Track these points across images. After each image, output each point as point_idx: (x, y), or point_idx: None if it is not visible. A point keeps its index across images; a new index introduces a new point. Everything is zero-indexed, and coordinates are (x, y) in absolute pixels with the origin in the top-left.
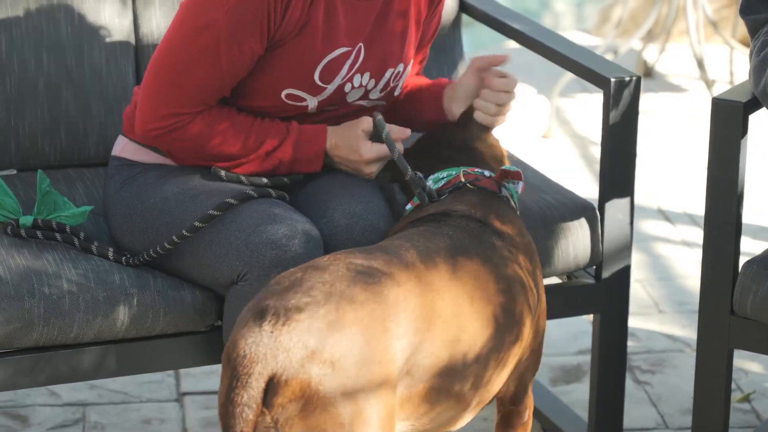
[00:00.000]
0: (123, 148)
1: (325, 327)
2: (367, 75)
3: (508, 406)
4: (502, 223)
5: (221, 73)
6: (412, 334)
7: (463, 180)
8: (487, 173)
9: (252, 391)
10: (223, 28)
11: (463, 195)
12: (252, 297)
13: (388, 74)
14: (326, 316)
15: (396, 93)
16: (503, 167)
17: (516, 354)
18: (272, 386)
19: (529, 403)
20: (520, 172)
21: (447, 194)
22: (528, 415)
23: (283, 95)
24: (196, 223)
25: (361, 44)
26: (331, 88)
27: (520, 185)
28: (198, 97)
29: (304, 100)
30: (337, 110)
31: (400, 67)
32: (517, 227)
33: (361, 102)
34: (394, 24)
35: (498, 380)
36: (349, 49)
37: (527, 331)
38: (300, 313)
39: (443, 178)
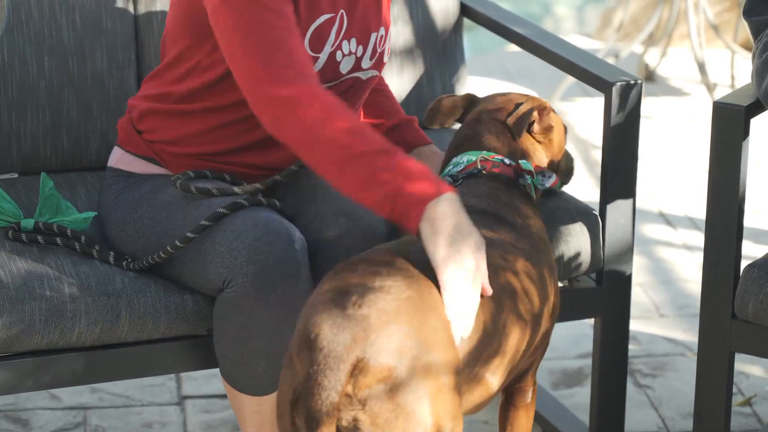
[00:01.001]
0: (119, 159)
1: (411, 310)
2: (354, 41)
3: (513, 385)
4: (510, 218)
5: (289, 20)
6: None
7: (479, 166)
8: (507, 161)
9: (340, 374)
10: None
11: (477, 184)
12: (238, 304)
13: (372, 39)
14: (411, 299)
15: (385, 60)
16: (520, 161)
17: (500, 365)
18: (358, 368)
19: (532, 383)
20: (532, 170)
21: (461, 180)
22: (531, 396)
23: None
24: (189, 234)
25: (342, 10)
26: (323, 57)
27: (551, 180)
28: (292, 59)
29: None
30: (335, 87)
31: (382, 31)
32: (528, 221)
33: (356, 74)
34: None
35: (478, 392)
36: (333, 15)
37: (514, 342)
38: (387, 295)
39: (462, 162)
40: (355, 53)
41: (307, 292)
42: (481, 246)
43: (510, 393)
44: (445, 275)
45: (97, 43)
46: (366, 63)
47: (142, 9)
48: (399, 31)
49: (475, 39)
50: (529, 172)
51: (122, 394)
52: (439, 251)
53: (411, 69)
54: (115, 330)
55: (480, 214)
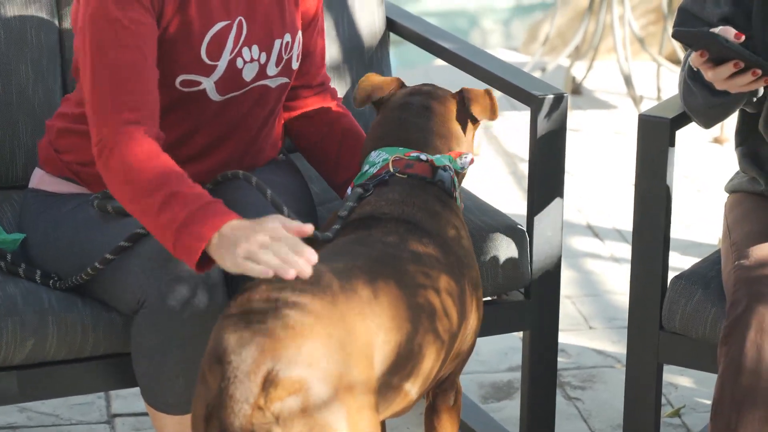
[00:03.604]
0: (39, 180)
1: (315, 322)
2: (255, 48)
3: (434, 389)
4: (428, 226)
5: (131, 53)
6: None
7: (391, 169)
8: (423, 156)
9: (251, 386)
10: (111, 8)
11: (389, 190)
12: (153, 324)
13: (277, 45)
14: (318, 313)
15: (294, 66)
16: (434, 156)
17: (416, 383)
18: (268, 380)
19: (455, 387)
20: (447, 164)
21: (372, 189)
22: (454, 399)
23: (177, 83)
24: (108, 255)
25: (240, 17)
26: (221, 64)
27: (468, 158)
28: (126, 98)
29: (200, 83)
30: (243, 96)
31: (288, 38)
32: (447, 223)
33: (263, 82)
34: None
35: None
36: (229, 22)
37: (430, 362)
38: (290, 309)
39: (378, 163)
40: (258, 60)
41: (223, 308)
42: (262, 220)
43: (433, 398)
44: (251, 271)
45: (21, 58)
46: (272, 70)
47: (66, 23)
48: (326, 46)
49: (402, 53)
50: (445, 167)
51: (51, 413)
52: (225, 265)
53: (337, 83)
54: (43, 348)
55: (394, 224)
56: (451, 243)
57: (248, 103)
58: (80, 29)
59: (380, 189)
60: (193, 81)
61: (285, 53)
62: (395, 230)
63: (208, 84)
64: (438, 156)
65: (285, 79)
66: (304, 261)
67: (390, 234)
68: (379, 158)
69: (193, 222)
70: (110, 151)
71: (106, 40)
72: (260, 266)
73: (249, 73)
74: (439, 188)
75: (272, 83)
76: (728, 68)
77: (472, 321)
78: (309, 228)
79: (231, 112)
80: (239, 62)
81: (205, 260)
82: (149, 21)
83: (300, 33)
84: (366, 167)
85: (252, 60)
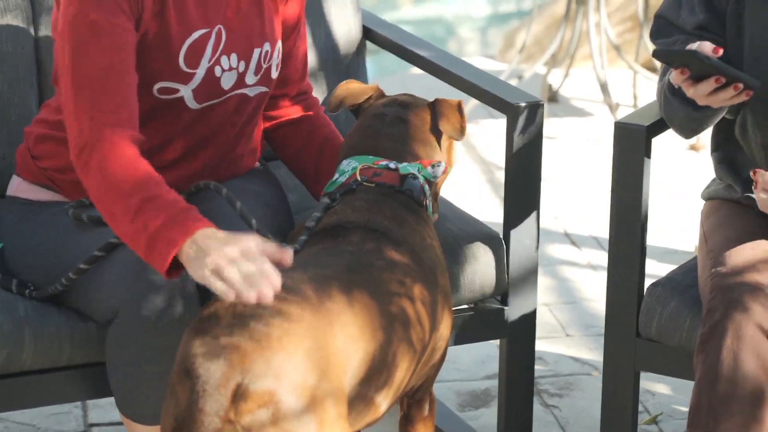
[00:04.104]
0: (17, 187)
1: (283, 333)
2: (234, 56)
3: (408, 399)
4: (396, 234)
5: (111, 56)
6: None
7: (359, 178)
8: (392, 165)
9: (221, 400)
10: (90, 11)
11: (355, 199)
12: (128, 334)
13: (256, 54)
14: (284, 323)
15: (273, 76)
16: (401, 165)
17: (389, 392)
18: (238, 394)
19: (428, 397)
20: (413, 173)
21: (339, 199)
22: (428, 409)
23: (155, 90)
24: (82, 265)
25: (219, 26)
26: (200, 72)
27: (440, 167)
28: (106, 100)
29: (177, 90)
30: (221, 105)
31: (267, 47)
32: (415, 231)
33: (241, 91)
34: (249, 4)
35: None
36: (208, 30)
37: (403, 371)
38: (258, 321)
39: (347, 171)
40: (237, 68)
41: None
42: (239, 236)
43: (407, 408)
44: (214, 287)
45: None
46: (251, 79)
47: (42, 32)
48: None
49: (379, 61)
50: (413, 175)
51: (28, 422)
52: (195, 275)
53: (313, 91)
54: (18, 358)
55: (361, 232)
56: (419, 251)
57: (226, 111)
58: (60, 33)
59: (347, 198)
60: (171, 88)
61: (264, 62)
62: (362, 239)
63: (186, 92)
64: (405, 164)
65: (264, 89)
66: (269, 285)
67: (357, 243)
68: (349, 167)
69: (166, 228)
70: (90, 154)
71: (85, 42)
72: (223, 284)
73: (227, 82)
74: (407, 197)
75: (251, 92)
76: (710, 84)
77: (443, 329)
78: (288, 257)
79: (209, 120)
80: (218, 70)
81: (176, 266)
82: (128, 26)
83: (280, 43)
84: (336, 176)
85: (230, 68)
